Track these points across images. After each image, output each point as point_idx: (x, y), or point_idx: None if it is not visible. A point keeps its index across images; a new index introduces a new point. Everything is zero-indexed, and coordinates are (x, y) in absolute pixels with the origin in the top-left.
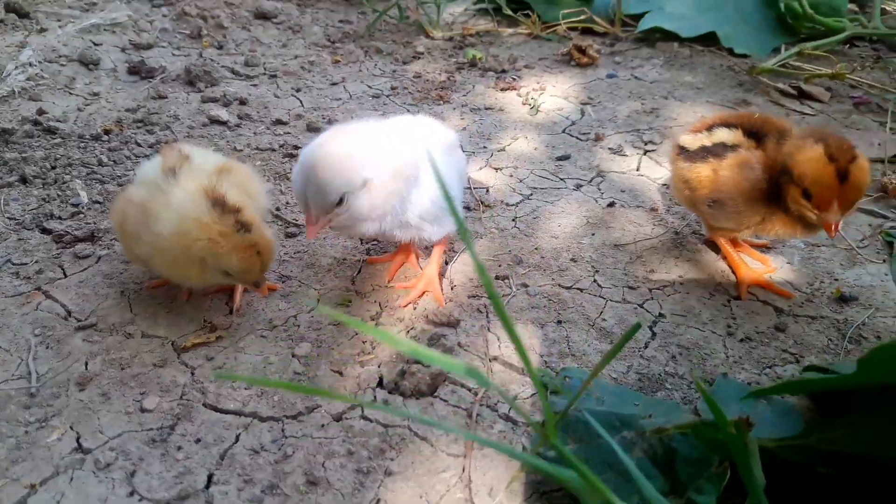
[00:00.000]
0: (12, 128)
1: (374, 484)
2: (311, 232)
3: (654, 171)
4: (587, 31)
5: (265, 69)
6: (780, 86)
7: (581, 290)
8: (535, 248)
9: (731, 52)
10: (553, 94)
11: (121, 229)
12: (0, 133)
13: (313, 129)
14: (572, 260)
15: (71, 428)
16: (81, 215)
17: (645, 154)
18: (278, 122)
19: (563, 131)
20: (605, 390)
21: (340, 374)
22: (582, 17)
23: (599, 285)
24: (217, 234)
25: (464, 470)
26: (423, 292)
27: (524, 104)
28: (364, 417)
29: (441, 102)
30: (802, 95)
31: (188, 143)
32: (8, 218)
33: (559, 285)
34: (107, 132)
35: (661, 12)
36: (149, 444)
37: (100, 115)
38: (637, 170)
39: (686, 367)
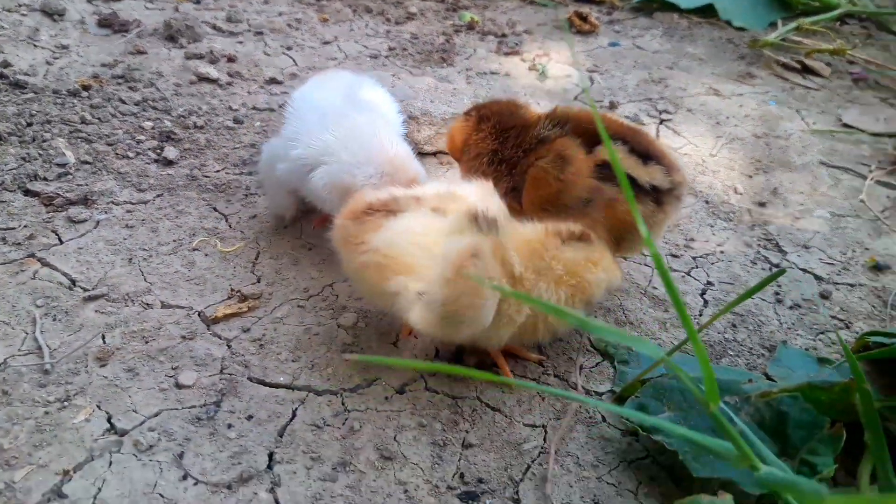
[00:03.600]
0: None
1: (454, 457)
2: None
3: (674, 141)
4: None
5: (250, 25)
6: (784, 60)
7: (624, 258)
8: None
9: (729, 24)
10: (558, 60)
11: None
12: None
13: None
14: None
15: (99, 407)
16: (70, 176)
17: (661, 123)
18: (273, 80)
19: (575, 98)
20: (677, 360)
21: (395, 345)
22: None
23: (643, 253)
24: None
25: (545, 440)
26: None
27: (531, 70)
28: (429, 389)
29: (445, 65)
30: (805, 70)
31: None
32: None
33: None
34: (85, 88)
35: None
36: (193, 422)
37: (73, 70)
38: (656, 138)
39: (744, 333)
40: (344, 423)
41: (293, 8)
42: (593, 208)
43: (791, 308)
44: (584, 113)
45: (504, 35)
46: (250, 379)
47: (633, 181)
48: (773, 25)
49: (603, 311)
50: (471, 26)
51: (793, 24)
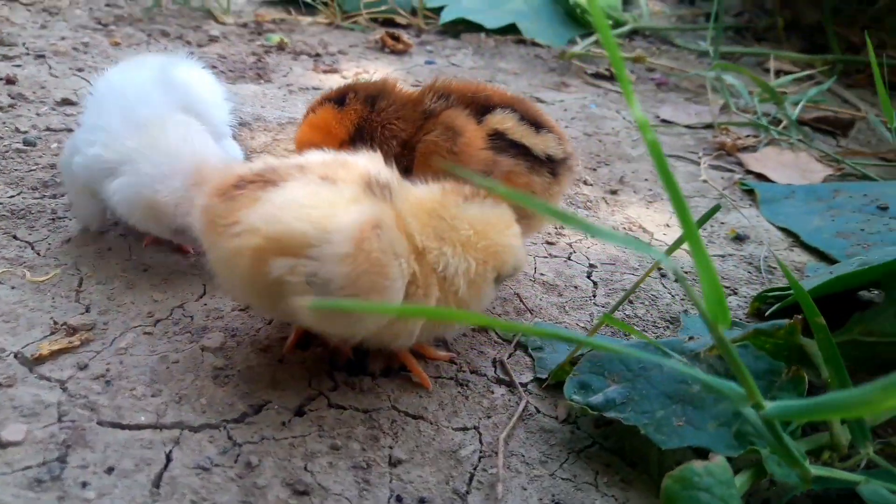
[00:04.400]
0: None
1: (383, 479)
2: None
3: None
4: (389, 23)
5: (27, 49)
6: (592, 69)
7: None
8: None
9: (534, 42)
10: (378, 77)
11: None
12: None
13: None
14: None
15: None
16: None
17: None
18: (66, 101)
19: None
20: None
21: (281, 361)
22: (383, 7)
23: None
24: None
25: (481, 443)
26: None
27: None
28: (334, 405)
29: (262, 81)
30: (613, 77)
31: None
32: None
33: None
34: None
35: (458, 6)
36: (32, 487)
37: None
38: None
39: (642, 309)
40: (237, 460)
41: (77, 33)
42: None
43: (676, 282)
44: (466, 84)
45: (318, 55)
46: (101, 423)
47: (527, 151)
48: (572, 42)
49: (500, 300)
50: (281, 47)
51: (591, 39)
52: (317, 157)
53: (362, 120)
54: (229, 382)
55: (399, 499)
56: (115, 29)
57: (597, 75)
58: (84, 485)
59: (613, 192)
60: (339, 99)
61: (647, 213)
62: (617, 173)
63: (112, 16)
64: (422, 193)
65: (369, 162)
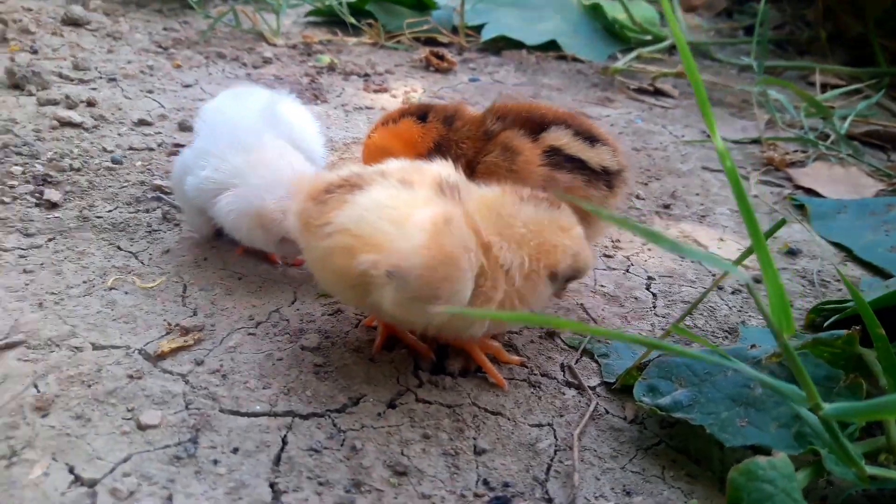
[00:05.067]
0: None
1: (470, 465)
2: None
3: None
4: (431, 42)
5: (100, 73)
6: (635, 84)
7: None
8: None
9: (574, 58)
10: (428, 96)
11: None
12: None
13: (186, 129)
14: None
15: (54, 458)
16: None
17: None
18: (142, 122)
19: None
20: (669, 345)
21: (372, 360)
22: (425, 26)
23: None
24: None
25: (556, 438)
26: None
27: (405, 103)
28: (421, 400)
29: (318, 102)
30: (656, 92)
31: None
32: None
33: None
34: None
35: (499, 23)
36: (173, 462)
37: None
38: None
39: (701, 320)
40: (343, 444)
41: (141, 56)
42: None
43: (733, 294)
44: (521, 104)
45: (367, 74)
46: (223, 411)
47: (583, 164)
48: (612, 57)
49: (563, 310)
50: (331, 67)
51: (633, 54)
52: (395, 164)
53: (441, 137)
54: (328, 378)
55: (486, 482)
56: (175, 52)
57: (640, 90)
58: (215, 462)
59: (666, 207)
60: (421, 115)
61: (701, 228)
62: (668, 188)
63: (170, 39)
64: (485, 192)
65: (440, 167)
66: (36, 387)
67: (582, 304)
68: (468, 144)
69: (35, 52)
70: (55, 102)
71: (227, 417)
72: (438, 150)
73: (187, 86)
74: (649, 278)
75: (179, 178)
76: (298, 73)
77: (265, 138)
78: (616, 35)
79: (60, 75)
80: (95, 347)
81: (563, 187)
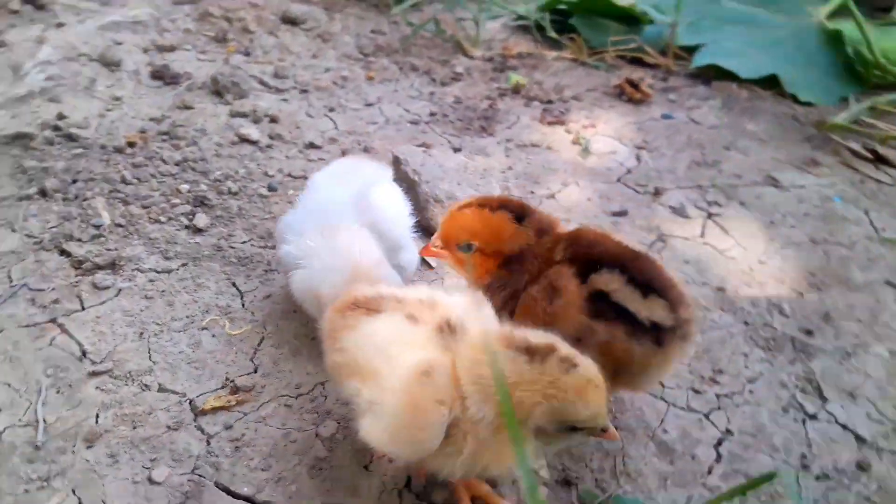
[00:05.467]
0: (32, 132)
1: None
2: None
3: (721, 240)
4: (637, 61)
5: (296, 82)
6: (853, 146)
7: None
8: None
9: (794, 98)
10: (605, 132)
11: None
12: (19, 137)
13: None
14: None
15: (73, 492)
16: (102, 238)
17: (710, 217)
18: (311, 145)
19: (618, 180)
20: None
21: (366, 468)
22: (632, 45)
23: (660, 384)
24: (550, 387)
25: None
26: None
27: (574, 143)
28: None
29: (484, 135)
30: (878, 159)
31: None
32: (27, 235)
33: None
34: (130, 144)
35: (717, 46)
36: None
37: (123, 123)
38: (701, 236)
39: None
40: None
41: (341, 63)
42: (585, 348)
43: (818, 479)
44: (596, 233)
45: (550, 101)
46: (217, 485)
47: (630, 316)
48: (843, 101)
49: (601, 453)
50: (516, 90)
51: (866, 103)
52: (417, 293)
53: (528, 246)
54: (319, 476)
55: None
56: (374, 60)
57: (858, 154)
58: None
59: (808, 332)
60: (518, 215)
61: (835, 372)
62: (826, 305)
63: (373, 44)
64: (477, 336)
65: (458, 302)
66: (97, 418)
67: (624, 450)
68: (536, 264)
69: (248, 53)
70: (244, 115)
71: (216, 493)
72: (519, 258)
73: (369, 104)
74: (727, 431)
75: (279, 238)
76: (479, 96)
77: (345, 224)
78: (854, 73)
79: (261, 81)
80: (160, 389)
81: (599, 340)
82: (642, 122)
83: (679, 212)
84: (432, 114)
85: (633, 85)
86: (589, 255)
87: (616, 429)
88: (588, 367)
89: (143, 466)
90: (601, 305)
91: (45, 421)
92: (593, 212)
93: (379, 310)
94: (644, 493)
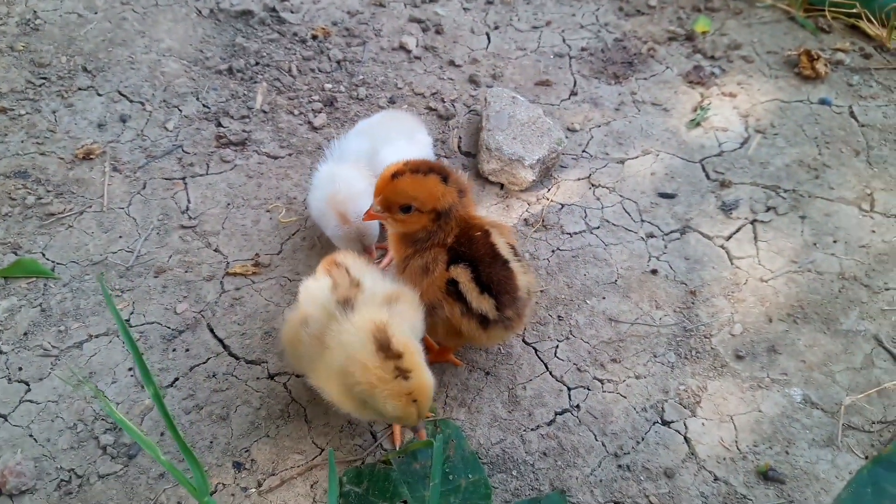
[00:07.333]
0: (254, 10)
1: None
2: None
3: (741, 248)
4: (853, 28)
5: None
6: None
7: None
8: (548, 304)
9: None
10: (739, 104)
11: (294, 356)
12: (244, 14)
13: (473, 82)
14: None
15: (132, 304)
16: (248, 119)
17: (752, 223)
18: (451, 63)
19: (701, 160)
20: None
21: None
22: (853, 9)
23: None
24: (376, 379)
25: None
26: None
27: (693, 110)
28: None
29: (612, 83)
30: None
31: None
32: (203, 105)
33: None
34: (314, 37)
35: None
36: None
37: (325, 14)
38: (727, 238)
39: None
40: None
41: None
42: (436, 316)
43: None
44: (477, 229)
45: (713, 57)
46: (207, 326)
47: (467, 303)
48: None
49: (457, 387)
50: (690, 37)
51: None
52: (351, 260)
53: (453, 205)
54: (269, 340)
55: None
56: None
57: None
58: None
59: (739, 357)
60: (444, 175)
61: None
62: (783, 338)
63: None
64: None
65: (363, 268)
66: (169, 259)
67: (483, 392)
68: (444, 231)
69: None
70: (420, 21)
71: (205, 330)
72: (447, 213)
73: (535, 27)
74: (576, 407)
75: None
76: (648, 37)
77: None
78: None
79: None
80: (215, 249)
81: (445, 313)
82: (789, 103)
83: (726, 209)
84: (583, 49)
85: (812, 58)
86: (459, 248)
87: (487, 374)
88: (419, 383)
89: (174, 294)
90: (452, 289)
91: (139, 252)
92: (644, 187)
93: (330, 273)
94: (471, 425)
